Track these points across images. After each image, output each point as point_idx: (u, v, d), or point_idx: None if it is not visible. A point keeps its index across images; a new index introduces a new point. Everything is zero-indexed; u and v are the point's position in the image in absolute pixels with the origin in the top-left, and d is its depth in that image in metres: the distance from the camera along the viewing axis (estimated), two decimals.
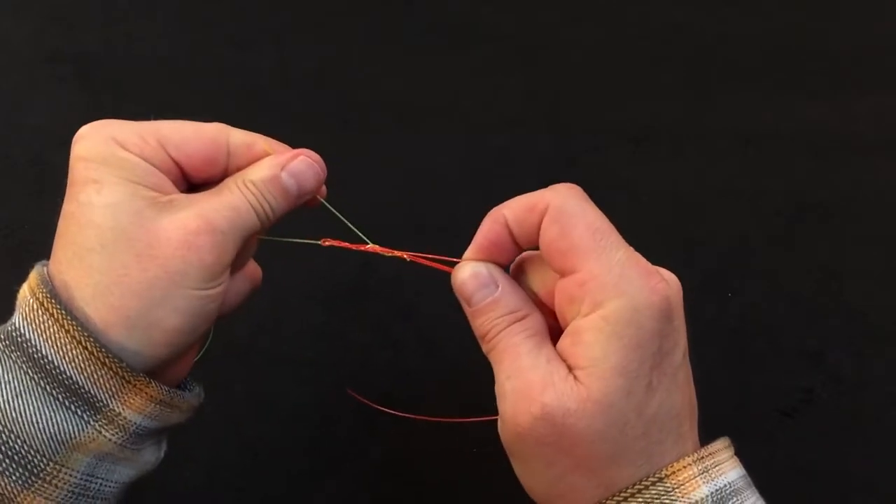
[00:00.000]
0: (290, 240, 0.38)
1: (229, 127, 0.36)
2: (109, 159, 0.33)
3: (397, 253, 0.39)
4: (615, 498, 0.31)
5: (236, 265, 0.37)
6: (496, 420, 0.35)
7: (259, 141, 0.37)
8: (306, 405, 0.59)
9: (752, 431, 0.59)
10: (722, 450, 0.33)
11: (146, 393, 0.33)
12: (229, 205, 0.34)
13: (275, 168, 0.36)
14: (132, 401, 0.33)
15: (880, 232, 0.69)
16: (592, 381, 0.31)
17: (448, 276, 0.37)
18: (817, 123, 0.77)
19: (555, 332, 0.35)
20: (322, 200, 0.39)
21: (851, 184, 0.73)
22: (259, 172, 0.36)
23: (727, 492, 0.32)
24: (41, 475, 0.32)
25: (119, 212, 0.32)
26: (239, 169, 0.36)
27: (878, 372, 0.61)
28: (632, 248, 0.33)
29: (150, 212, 0.33)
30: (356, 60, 0.81)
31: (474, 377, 0.60)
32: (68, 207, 0.34)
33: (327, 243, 0.39)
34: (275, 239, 0.39)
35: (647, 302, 0.31)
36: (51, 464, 0.32)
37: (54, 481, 0.32)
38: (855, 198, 0.72)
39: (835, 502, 0.56)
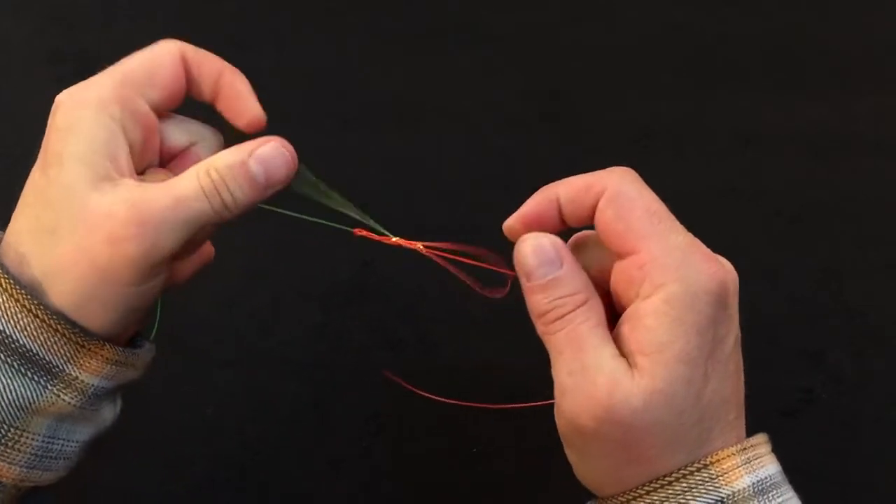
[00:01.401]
0: (322, 221, 0.38)
1: (178, 43, 0.37)
2: (82, 124, 0.33)
3: (423, 249, 0.39)
4: (659, 481, 0.32)
5: (186, 252, 0.36)
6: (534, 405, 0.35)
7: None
8: (306, 405, 0.59)
9: (753, 431, 0.59)
10: (762, 443, 0.34)
11: (101, 355, 0.33)
12: (175, 195, 0.33)
13: (242, 153, 0.34)
14: (88, 364, 0.33)
15: (880, 232, 0.69)
16: (657, 369, 0.31)
17: (454, 274, 0.37)
18: (817, 123, 0.77)
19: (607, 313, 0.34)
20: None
21: (851, 184, 0.73)
22: (225, 158, 0.34)
23: (767, 484, 0.32)
24: (3, 441, 0.32)
25: (74, 195, 0.32)
26: (205, 73, 0.37)
27: (878, 372, 0.61)
28: (691, 234, 0.33)
29: (96, 195, 0.32)
30: (356, 60, 0.81)
31: (474, 377, 0.61)
32: (38, 176, 0.34)
33: (359, 233, 0.39)
34: (307, 218, 0.38)
35: (706, 287, 0.31)
36: (12, 429, 0.32)
37: (16, 446, 0.33)
38: (855, 198, 0.72)
39: (835, 502, 0.56)
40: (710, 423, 0.32)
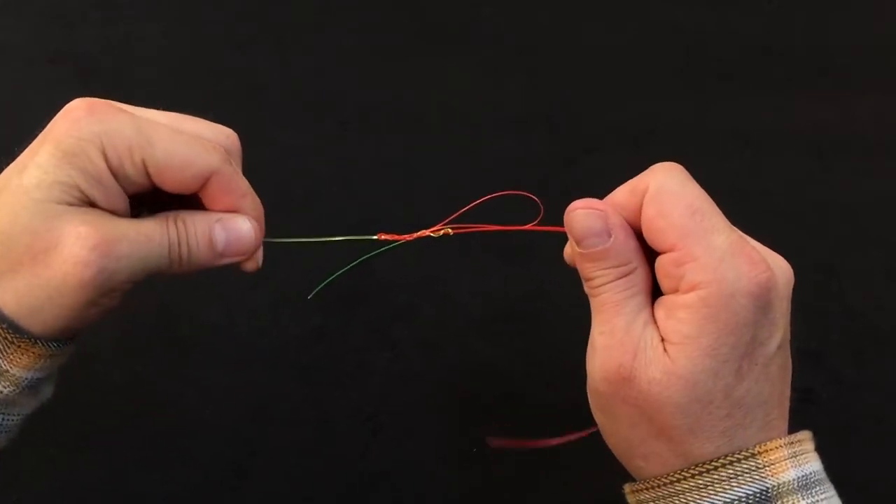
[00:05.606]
0: (343, 238, 0.38)
1: (224, 164, 0.35)
2: (82, 163, 0.32)
3: (444, 230, 0.39)
4: (705, 465, 0.32)
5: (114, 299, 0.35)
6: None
7: (236, 201, 0.35)
8: (306, 405, 0.59)
9: None
10: (807, 440, 0.34)
11: (33, 352, 0.33)
12: (144, 233, 0.33)
13: (212, 217, 0.35)
14: (19, 359, 0.33)
15: (880, 232, 0.69)
16: (680, 358, 0.31)
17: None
18: (817, 123, 0.77)
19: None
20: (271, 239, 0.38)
21: (851, 184, 0.73)
22: (195, 214, 0.35)
23: (812, 480, 0.32)
24: None
25: (39, 212, 0.32)
26: (206, 196, 0.35)
27: (878, 372, 0.61)
28: (738, 233, 0.33)
29: (68, 212, 0.32)
30: (356, 60, 0.81)
31: (473, 378, 0.61)
32: (11, 175, 0.33)
33: (382, 237, 0.40)
34: (328, 240, 0.39)
35: (746, 290, 0.31)
36: None
37: None
38: (855, 198, 0.72)
39: None
40: (744, 420, 0.32)
